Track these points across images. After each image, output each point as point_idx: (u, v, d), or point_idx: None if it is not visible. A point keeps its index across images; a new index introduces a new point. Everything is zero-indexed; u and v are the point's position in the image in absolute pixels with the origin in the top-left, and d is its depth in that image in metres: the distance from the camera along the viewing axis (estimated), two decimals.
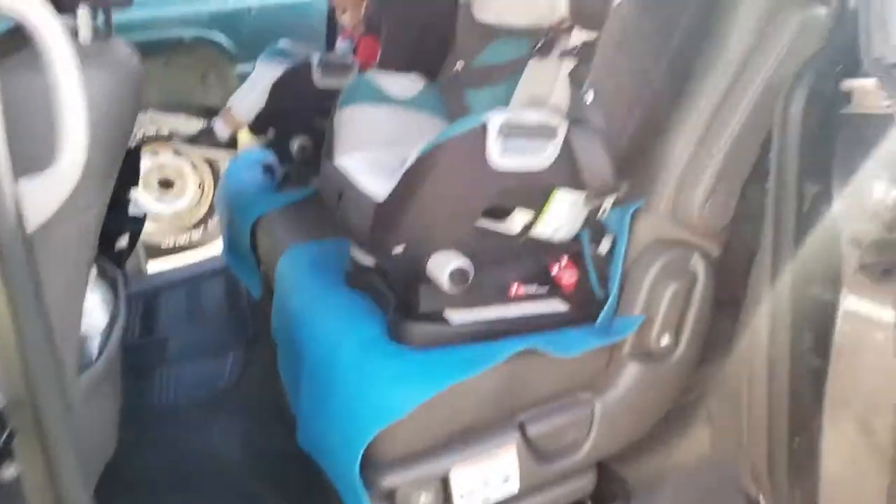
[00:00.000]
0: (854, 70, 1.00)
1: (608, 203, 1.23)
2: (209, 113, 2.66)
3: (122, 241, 1.83)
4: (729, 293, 1.34)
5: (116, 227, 1.55)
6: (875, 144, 0.94)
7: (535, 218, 1.22)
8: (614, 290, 1.28)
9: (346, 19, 2.20)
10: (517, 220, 1.25)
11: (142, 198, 3.36)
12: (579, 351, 1.24)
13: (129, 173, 2.00)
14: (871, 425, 1.01)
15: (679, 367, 1.34)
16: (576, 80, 1.25)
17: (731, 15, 1.21)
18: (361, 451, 1.11)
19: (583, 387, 1.31)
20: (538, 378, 1.26)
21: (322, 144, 1.49)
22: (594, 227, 1.33)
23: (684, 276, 1.29)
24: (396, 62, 1.84)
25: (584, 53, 1.32)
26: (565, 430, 1.30)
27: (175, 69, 3.32)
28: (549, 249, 1.33)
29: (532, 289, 1.36)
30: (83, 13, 0.96)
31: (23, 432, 0.73)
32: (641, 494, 1.43)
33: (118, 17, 3.43)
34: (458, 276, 1.16)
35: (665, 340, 1.31)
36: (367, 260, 1.37)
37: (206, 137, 2.10)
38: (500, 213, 1.25)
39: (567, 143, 1.15)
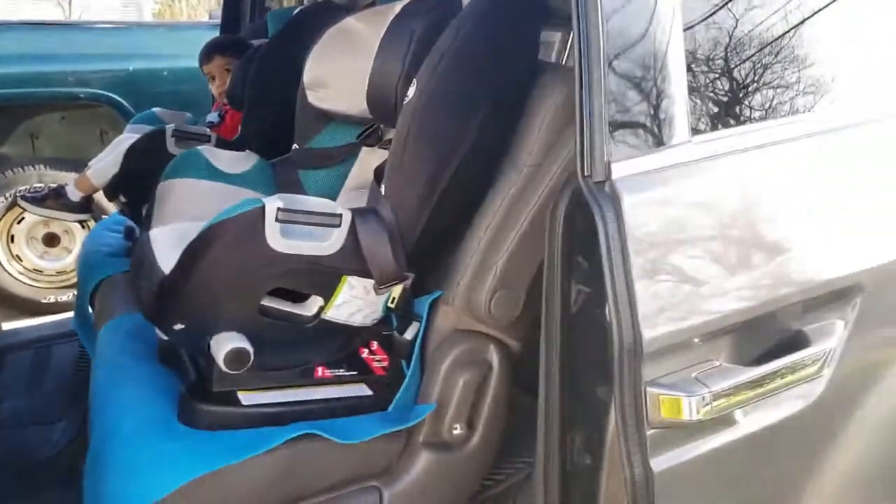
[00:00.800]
0: None
1: (396, 292, 1.25)
2: None
3: None
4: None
5: None
6: None
7: (326, 302, 1.23)
8: (408, 377, 1.29)
9: (213, 89, 2.24)
10: (313, 304, 1.26)
11: (25, 252, 3.28)
12: (365, 437, 1.23)
13: None
14: None
15: (474, 456, 1.34)
16: (379, 171, 1.29)
17: (527, 122, 1.27)
18: None
19: (372, 475, 1.29)
20: (323, 465, 1.24)
21: None
22: (404, 313, 1.35)
23: (479, 367, 1.31)
24: (255, 138, 1.87)
25: None
26: None
27: (72, 125, 3.30)
28: (359, 333, 1.34)
29: (340, 372, 1.36)
30: None
31: None
32: None
33: (11, 69, 3.41)
34: (233, 357, 1.15)
35: (458, 430, 1.31)
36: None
37: (54, 200, 2.07)
38: (298, 296, 1.26)
39: (353, 232, 1.17)
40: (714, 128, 0.95)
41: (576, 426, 1.15)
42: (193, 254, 1.14)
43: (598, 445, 1.08)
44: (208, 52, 2.22)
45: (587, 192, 0.87)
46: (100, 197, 2.15)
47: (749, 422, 0.90)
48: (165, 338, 1.36)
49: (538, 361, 1.37)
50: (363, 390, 1.35)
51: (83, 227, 3.28)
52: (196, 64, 2.31)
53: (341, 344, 1.33)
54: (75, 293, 3.29)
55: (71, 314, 3.23)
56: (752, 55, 0.96)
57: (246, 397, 1.26)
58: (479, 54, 1.18)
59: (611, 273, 0.85)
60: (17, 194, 2.44)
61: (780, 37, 1.00)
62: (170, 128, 1.85)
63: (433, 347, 1.32)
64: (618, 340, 0.85)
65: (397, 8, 1.48)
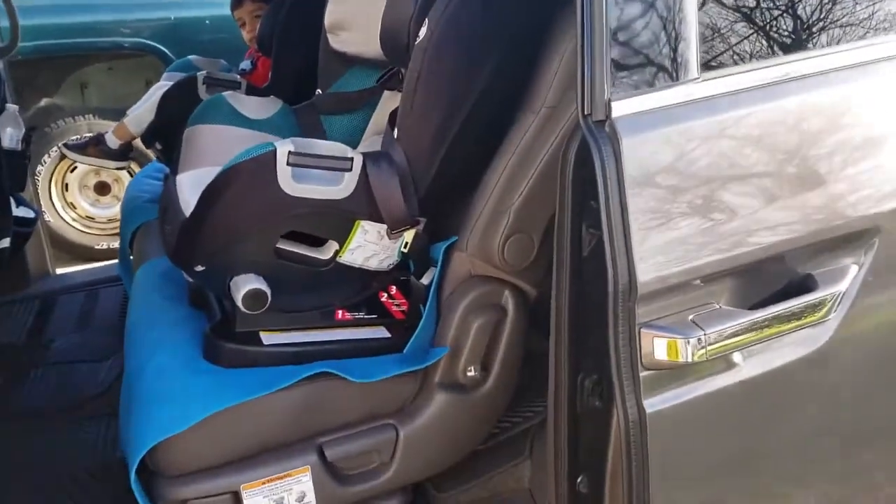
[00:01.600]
0: None
1: (409, 236, 1.26)
2: None
3: (3, 243, 1.87)
4: None
5: None
6: None
7: (341, 246, 1.25)
8: (423, 321, 1.31)
9: (244, 34, 2.25)
10: (329, 248, 1.28)
11: (78, 200, 3.40)
12: (378, 377, 1.26)
13: (11, 176, 2.06)
14: None
15: (489, 399, 1.36)
16: (394, 115, 1.29)
17: (544, 64, 1.24)
18: (137, 461, 1.14)
19: (388, 413, 1.33)
20: (339, 402, 1.28)
21: None
22: (420, 259, 1.36)
23: (493, 311, 1.32)
24: (283, 84, 1.89)
25: None
26: (367, 454, 1.32)
27: (118, 75, 3.38)
28: (377, 277, 1.36)
29: (359, 315, 1.39)
30: None
31: None
32: None
33: (56, 20, 3.46)
34: (251, 298, 1.19)
35: (472, 372, 1.33)
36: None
37: (95, 147, 2.13)
38: (315, 240, 1.28)
39: (364, 176, 1.18)
40: (725, 64, 0.91)
41: (585, 369, 1.15)
42: (209, 197, 1.17)
43: (607, 387, 1.08)
44: None
45: (586, 132, 0.86)
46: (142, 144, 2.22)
47: (749, 366, 0.89)
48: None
49: None
50: (382, 332, 1.38)
51: (131, 174, 3.39)
52: None
53: (359, 288, 1.36)
54: None
55: None
56: None
57: (267, 337, 1.30)
58: None
59: (607, 213, 0.84)
60: (62, 143, 2.53)
61: None
62: (201, 75, 1.88)
63: (448, 292, 1.33)
64: (612, 281, 0.84)
65: None
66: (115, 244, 3.46)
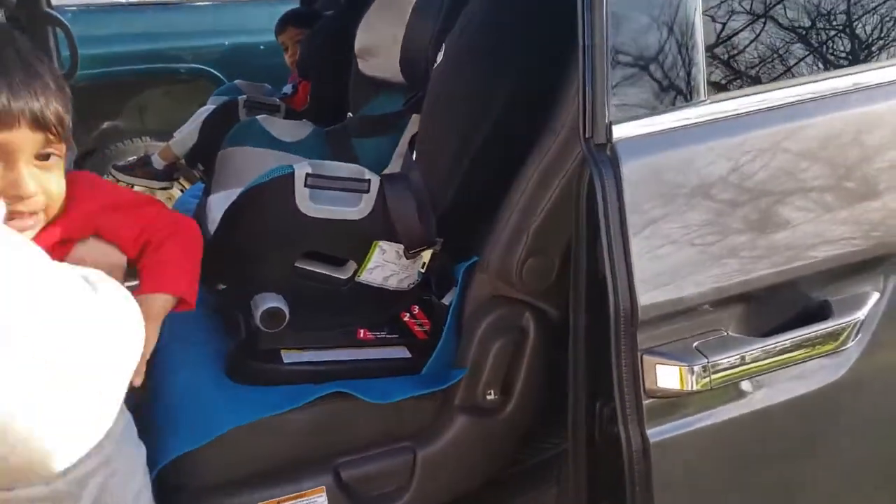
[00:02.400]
0: None
1: (427, 256, 1.27)
2: None
3: None
4: None
5: None
6: None
7: (360, 266, 1.27)
8: (441, 341, 1.31)
9: (287, 58, 2.31)
10: (349, 268, 1.30)
11: None
12: (395, 398, 1.26)
13: None
14: None
15: (510, 423, 1.35)
16: (415, 138, 1.30)
17: (563, 83, 1.24)
18: (155, 473, 1.16)
19: (405, 436, 1.32)
20: (356, 423, 1.28)
21: None
22: (443, 278, 1.36)
23: (514, 333, 1.30)
24: (321, 109, 1.93)
25: None
26: (384, 477, 1.31)
27: (174, 99, 3.51)
28: (399, 297, 1.37)
29: (381, 334, 1.40)
30: None
31: None
32: None
33: (117, 48, 3.60)
34: (269, 316, 1.21)
35: (492, 395, 1.32)
36: None
37: (141, 169, 2.22)
38: (335, 259, 1.30)
39: (381, 197, 1.19)
40: (733, 86, 0.89)
41: (602, 394, 1.13)
42: (230, 218, 1.20)
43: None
44: (281, 23, 2.30)
45: (587, 155, 0.84)
46: None
47: (761, 396, 0.85)
48: None
49: None
50: (403, 352, 1.38)
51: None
52: None
53: (381, 307, 1.36)
54: None
55: None
56: (779, 4, 0.89)
57: (287, 356, 1.32)
58: (507, 17, 1.16)
59: (607, 237, 0.83)
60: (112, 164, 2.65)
61: None
62: (242, 98, 1.93)
63: (468, 313, 1.32)
64: (613, 306, 0.82)
65: None
66: None
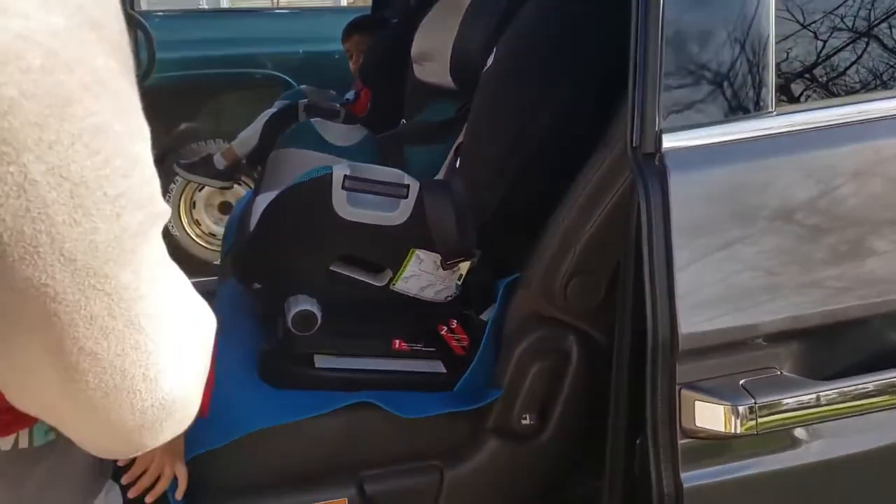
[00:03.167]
0: None
1: (464, 268, 1.21)
2: None
3: None
4: None
5: None
6: None
7: (395, 274, 1.22)
8: (475, 360, 1.24)
9: (351, 65, 2.30)
10: (385, 275, 1.25)
11: (203, 217, 3.63)
12: (425, 414, 1.21)
13: None
14: None
15: (545, 451, 1.27)
16: (460, 146, 1.25)
17: (621, 94, 1.17)
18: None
19: (434, 454, 1.26)
20: (383, 435, 1.24)
21: None
22: (482, 293, 1.31)
23: (555, 356, 1.23)
24: (381, 115, 1.91)
25: None
26: (409, 494, 1.26)
27: (248, 103, 3.58)
28: (437, 309, 1.32)
29: (417, 346, 1.35)
30: None
31: None
32: None
33: (194, 53, 3.71)
34: (301, 319, 1.18)
35: (527, 420, 1.25)
36: None
37: (203, 167, 2.25)
38: (371, 265, 1.26)
39: (420, 204, 1.15)
40: (804, 98, 0.80)
41: (643, 429, 1.04)
42: (268, 217, 1.17)
43: None
44: (347, 30, 2.30)
45: (632, 166, 0.77)
46: None
47: (819, 447, 0.75)
48: None
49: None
50: (438, 367, 1.33)
51: None
52: None
53: (417, 318, 1.31)
54: None
55: None
56: (859, 12, 0.80)
57: (321, 360, 1.28)
58: (562, 22, 1.10)
59: (649, 257, 0.75)
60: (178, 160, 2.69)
61: None
62: (302, 102, 1.94)
63: (508, 331, 1.26)
64: (651, 334, 0.75)
65: None
66: None
